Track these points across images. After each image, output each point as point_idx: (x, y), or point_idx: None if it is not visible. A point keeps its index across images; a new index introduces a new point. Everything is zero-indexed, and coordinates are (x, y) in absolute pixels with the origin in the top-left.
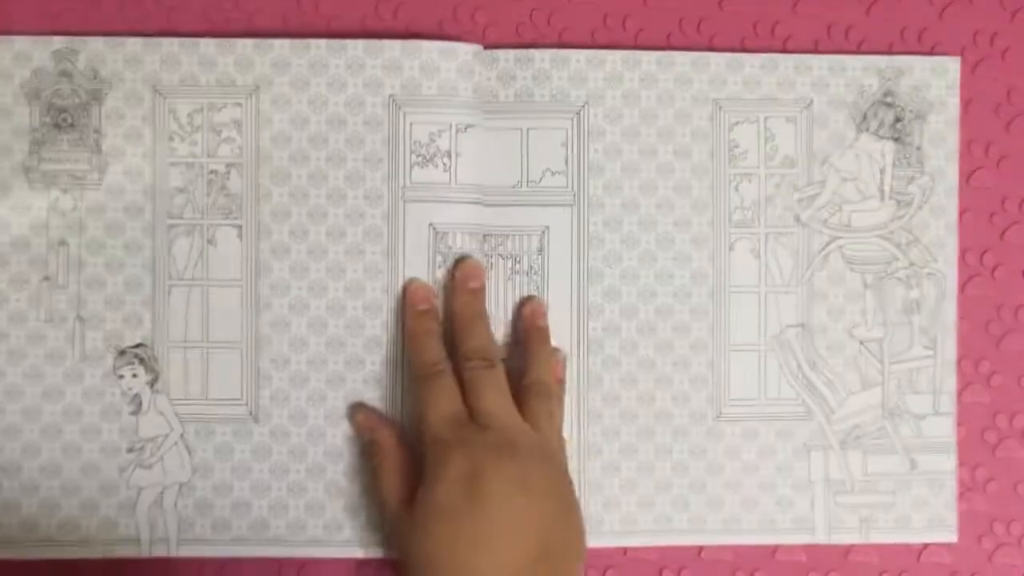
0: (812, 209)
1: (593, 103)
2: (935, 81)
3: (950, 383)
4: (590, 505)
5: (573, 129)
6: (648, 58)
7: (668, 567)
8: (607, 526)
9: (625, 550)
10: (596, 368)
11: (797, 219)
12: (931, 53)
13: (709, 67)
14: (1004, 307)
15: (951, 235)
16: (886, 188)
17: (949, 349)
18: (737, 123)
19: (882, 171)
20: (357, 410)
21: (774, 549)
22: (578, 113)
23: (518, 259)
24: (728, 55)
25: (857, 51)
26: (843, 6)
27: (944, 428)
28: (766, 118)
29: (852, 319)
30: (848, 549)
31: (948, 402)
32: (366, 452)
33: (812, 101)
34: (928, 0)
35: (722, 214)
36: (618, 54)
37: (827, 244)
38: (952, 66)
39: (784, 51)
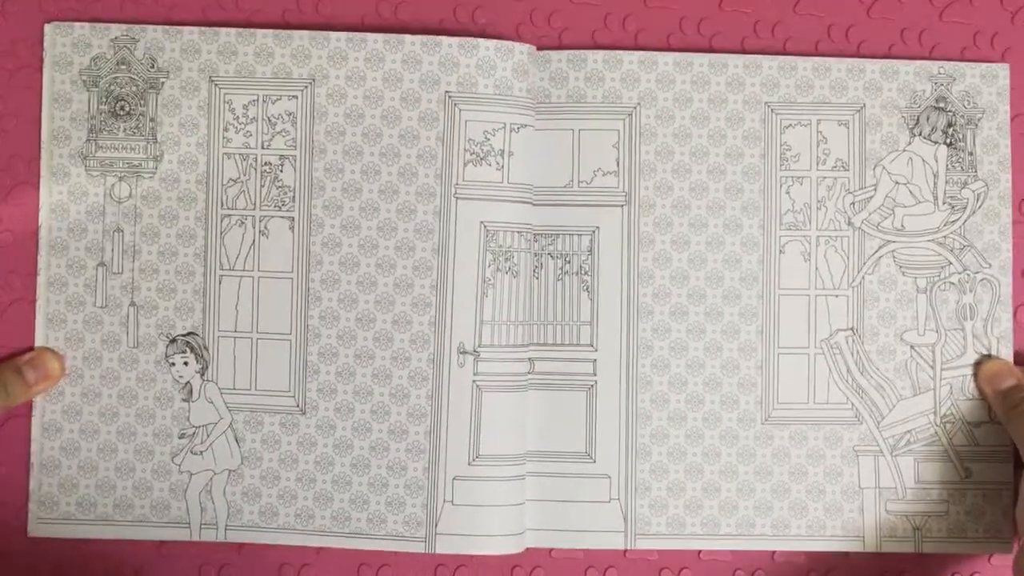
0: (864, 212)
1: (645, 105)
2: (985, 87)
3: None
4: (637, 507)
5: (625, 130)
6: (700, 60)
7: (668, 567)
8: (654, 528)
9: (625, 551)
10: (645, 370)
11: (849, 222)
12: (931, 54)
13: (761, 70)
14: None
15: (1005, 240)
16: (940, 192)
17: (1005, 355)
18: (789, 126)
19: (935, 175)
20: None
21: (774, 550)
22: (630, 114)
23: (568, 259)
24: (781, 58)
25: (857, 53)
26: (843, 6)
27: (1002, 436)
28: (818, 121)
29: (903, 324)
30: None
31: None
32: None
33: (865, 105)
34: (928, 0)
35: (773, 217)
36: (670, 56)
37: (879, 248)
38: (1002, 73)
39: (784, 51)
